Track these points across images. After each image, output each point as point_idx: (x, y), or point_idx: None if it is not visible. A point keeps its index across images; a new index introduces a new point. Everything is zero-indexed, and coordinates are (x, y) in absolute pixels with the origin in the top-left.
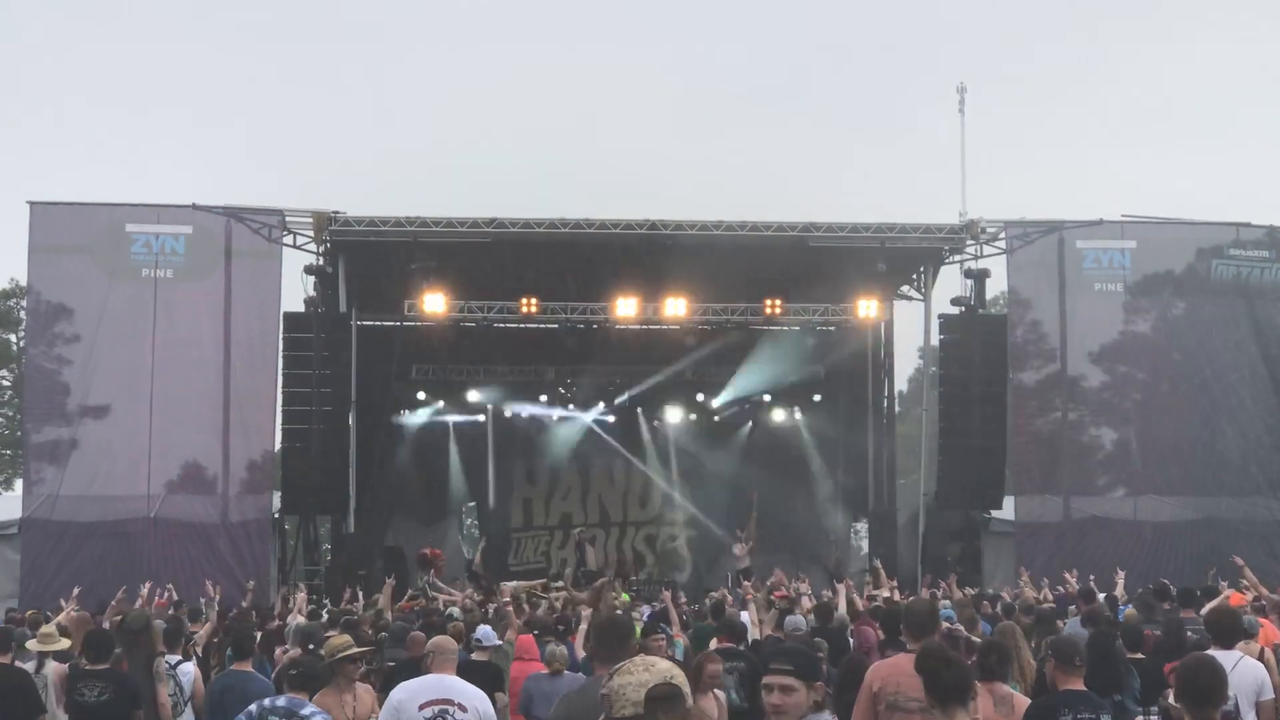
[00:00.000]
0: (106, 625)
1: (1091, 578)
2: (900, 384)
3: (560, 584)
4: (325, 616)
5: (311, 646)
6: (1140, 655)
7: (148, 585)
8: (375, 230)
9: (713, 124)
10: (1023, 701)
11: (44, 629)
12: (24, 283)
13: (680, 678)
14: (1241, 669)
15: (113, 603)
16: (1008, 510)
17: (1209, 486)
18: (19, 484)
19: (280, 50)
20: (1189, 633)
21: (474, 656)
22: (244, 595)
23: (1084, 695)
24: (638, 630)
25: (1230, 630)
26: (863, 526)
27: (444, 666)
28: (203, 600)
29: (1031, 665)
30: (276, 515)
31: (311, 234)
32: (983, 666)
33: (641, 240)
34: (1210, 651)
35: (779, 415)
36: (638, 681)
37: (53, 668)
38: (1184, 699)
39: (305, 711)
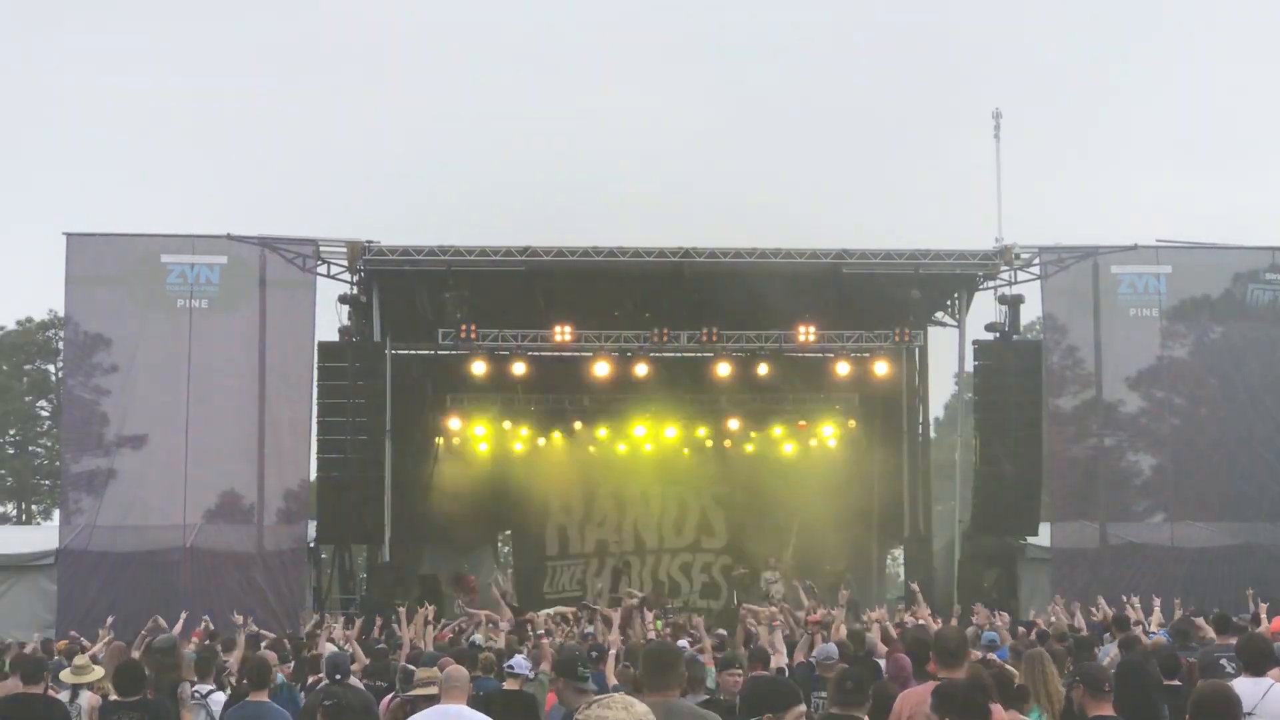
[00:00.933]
0: (136, 655)
1: (1124, 599)
2: (935, 410)
3: (596, 608)
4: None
5: (339, 677)
6: (1178, 682)
7: (183, 615)
8: (409, 259)
9: (746, 151)
10: None
11: (78, 660)
12: (62, 314)
13: None
14: (1272, 696)
15: (142, 632)
16: (1044, 536)
17: (1247, 512)
18: (57, 514)
19: (312, 80)
20: (1221, 660)
21: (505, 685)
22: (279, 624)
23: None
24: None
25: (1261, 657)
26: (899, 553)
27: (454, 696)
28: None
29: (1061, 693)
30: (312, 545)
31: (345, 263)
32: (1003, 696)
33: (675, 268)
34: (1241, 679)
35: (814, 442)
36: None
37: (86, 699)
38: None
39: None
